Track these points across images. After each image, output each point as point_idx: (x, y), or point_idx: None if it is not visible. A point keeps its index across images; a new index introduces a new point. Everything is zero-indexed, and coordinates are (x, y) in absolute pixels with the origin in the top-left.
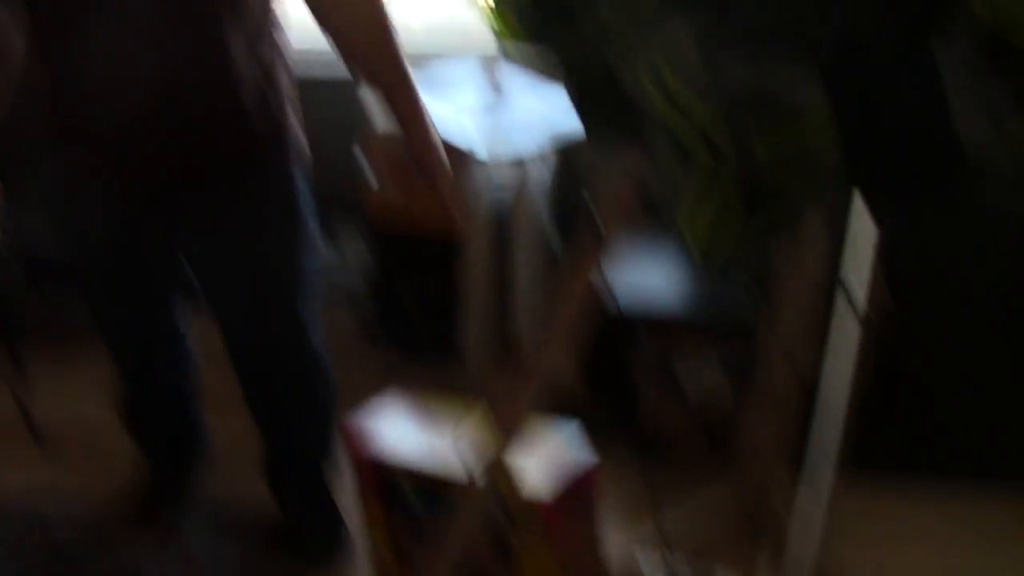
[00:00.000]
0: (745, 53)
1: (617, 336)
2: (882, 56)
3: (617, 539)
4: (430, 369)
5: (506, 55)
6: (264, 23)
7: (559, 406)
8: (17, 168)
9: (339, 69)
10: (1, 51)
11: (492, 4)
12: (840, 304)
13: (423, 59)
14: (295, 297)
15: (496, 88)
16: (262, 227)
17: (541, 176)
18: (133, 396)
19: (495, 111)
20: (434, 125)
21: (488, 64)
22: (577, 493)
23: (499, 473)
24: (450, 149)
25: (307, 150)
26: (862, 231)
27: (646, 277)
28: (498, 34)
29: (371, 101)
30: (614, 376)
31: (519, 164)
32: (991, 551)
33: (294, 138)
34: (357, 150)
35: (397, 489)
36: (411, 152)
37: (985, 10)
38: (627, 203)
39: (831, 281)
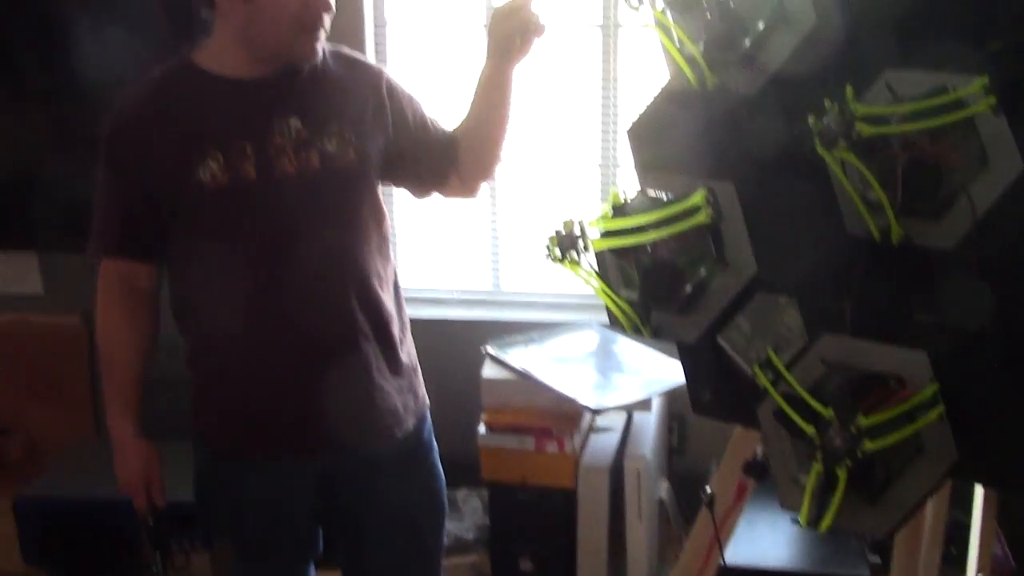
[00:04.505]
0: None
1: None
2: (992, 360)
3: None
4: None
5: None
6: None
7: None
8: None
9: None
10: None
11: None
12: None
13: (543, 328)
14: (435, 553)
15: (608, 351)
16: (410, 490)
17: (651, 429)
18: None
19: (605, 365)
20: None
21: (602, 331)
22: None
23: None
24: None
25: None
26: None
27: (756, 530)
28: (619, 324)
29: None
30: None
31: (629, 416)
32: None
33: (424, 398)
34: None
35: None
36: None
37: None
38: (744, 495)
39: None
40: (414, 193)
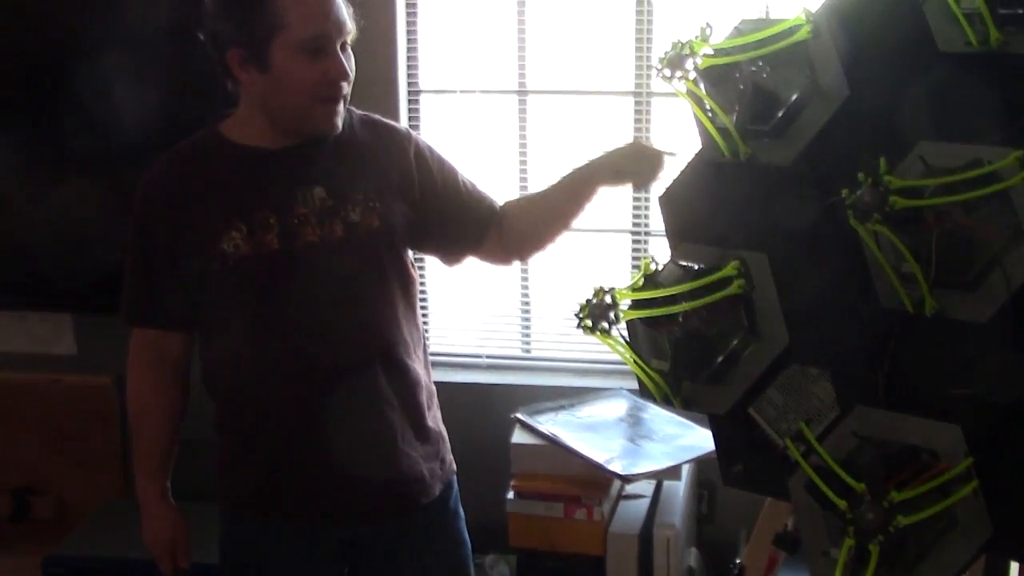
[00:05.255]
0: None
1: None
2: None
3: None
4: None
5: (652, 402)
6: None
7: None
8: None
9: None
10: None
11: (652, 374)
12: None
13: (573, 393)
14: None
15: (638, 418)
16: (435, 557)
17: (680, 497)
18: None
19: (635, 433)
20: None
21: (632, 398)
22: None
23: None
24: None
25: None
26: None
27: None
28: (649, 394)
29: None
30: None
31: (659, 484)
32: None
33: (451, 464)
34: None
35: None
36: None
37: None
38: (775, 567)
39: None
40: (444, 259)
